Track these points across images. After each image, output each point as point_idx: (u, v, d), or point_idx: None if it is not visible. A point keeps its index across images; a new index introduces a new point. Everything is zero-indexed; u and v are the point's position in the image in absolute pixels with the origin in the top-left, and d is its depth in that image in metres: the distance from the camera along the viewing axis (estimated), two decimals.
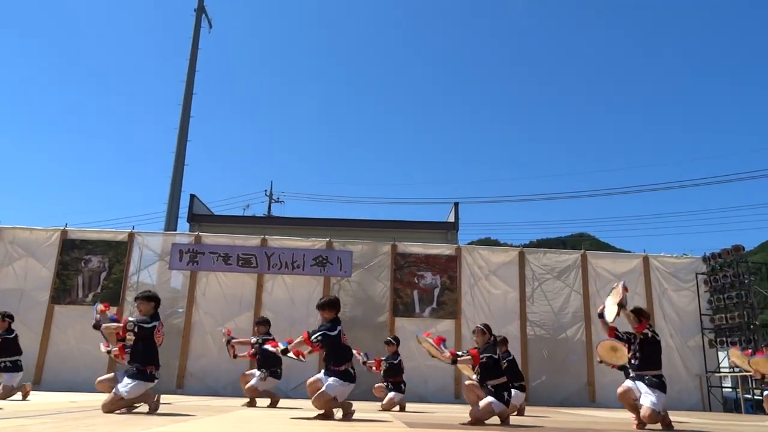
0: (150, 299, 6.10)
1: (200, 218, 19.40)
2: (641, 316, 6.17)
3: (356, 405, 6.19)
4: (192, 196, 19.65)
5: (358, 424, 5.45)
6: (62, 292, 12.98)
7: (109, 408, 5.63)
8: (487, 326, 6.47)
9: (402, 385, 8.62)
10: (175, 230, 19.96)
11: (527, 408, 8.70)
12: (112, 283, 13.16)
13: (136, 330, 5.83)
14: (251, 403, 8.07)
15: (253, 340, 8.43)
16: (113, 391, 5.73)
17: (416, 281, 13.64)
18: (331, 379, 5.78)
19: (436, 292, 13.55)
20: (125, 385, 5.71)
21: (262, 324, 8.58)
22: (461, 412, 7.29)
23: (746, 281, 13.27)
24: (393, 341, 9.09)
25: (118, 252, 13.43)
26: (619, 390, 6.05)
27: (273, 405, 8.17)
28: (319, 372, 6.11)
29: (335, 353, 5.93)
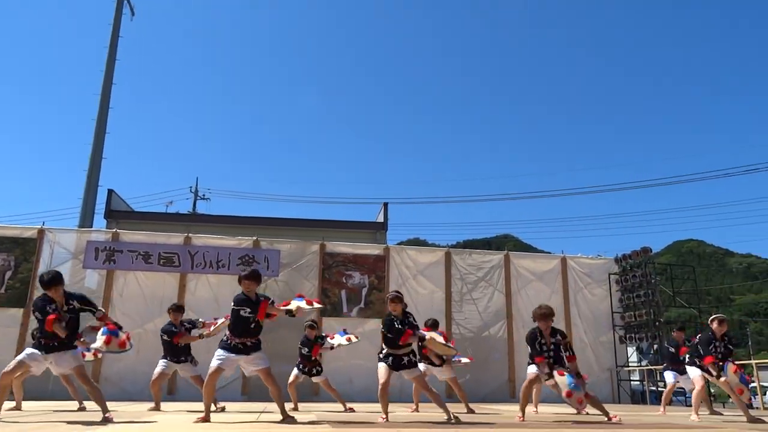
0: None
1: (118, 215, 18.44)
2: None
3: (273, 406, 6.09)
4: (110, 192, 18.66)
5: (280, 425, 5.38)
6: None
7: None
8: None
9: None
10: (91, 227, 18.91)
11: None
12: (18, 283, 12.28)
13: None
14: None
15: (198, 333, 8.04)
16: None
17: (344, 281, 13.64)
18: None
19: (364, 291, 13.61)
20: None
21: (178, 310, 8.15)
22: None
23: (653, 281, 14.22)
24: (315, 324, 8.94)
25: (25, 250, 12.55)
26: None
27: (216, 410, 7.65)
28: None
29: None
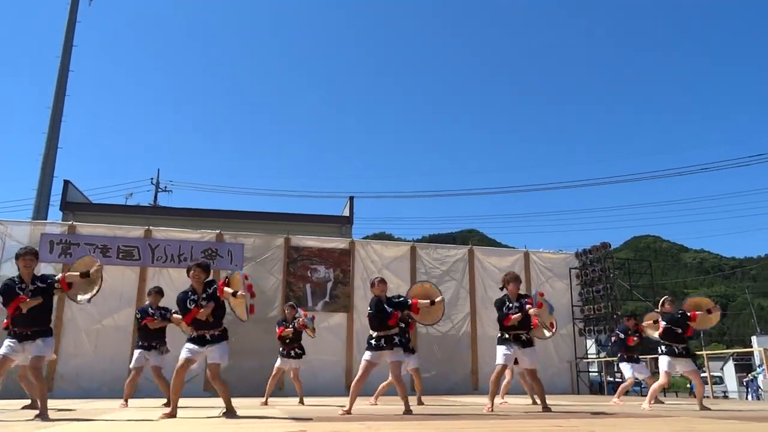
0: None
1: (75, 207, 17.89)
2: None
3: (246, 402, 6.03)
4: (66, 182, 18.08)
5: (243, 421, 5.32)
6: None
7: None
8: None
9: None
10: (46, 219, 18.28)
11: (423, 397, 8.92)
12: None
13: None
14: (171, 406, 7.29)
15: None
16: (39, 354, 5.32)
17: (309, 275, 13.57)
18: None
19: (329, 285, 13.56)
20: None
21: (159, 293, 8.18)
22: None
23: (611, 275, 14.61)
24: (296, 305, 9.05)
25: None
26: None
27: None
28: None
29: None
